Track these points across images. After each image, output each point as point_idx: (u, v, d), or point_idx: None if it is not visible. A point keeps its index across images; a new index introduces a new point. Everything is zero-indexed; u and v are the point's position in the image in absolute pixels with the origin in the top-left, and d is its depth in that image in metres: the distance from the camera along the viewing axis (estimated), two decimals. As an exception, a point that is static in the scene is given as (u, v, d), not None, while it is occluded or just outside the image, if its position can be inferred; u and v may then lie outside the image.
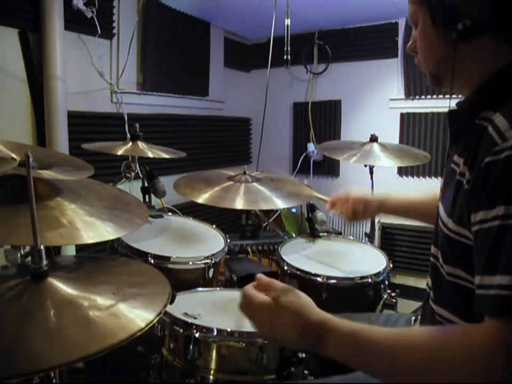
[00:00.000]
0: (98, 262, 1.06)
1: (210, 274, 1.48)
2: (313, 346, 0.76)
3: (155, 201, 1.86)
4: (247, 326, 1.09)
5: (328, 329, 0.73)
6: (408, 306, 2.26)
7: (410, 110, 3.02)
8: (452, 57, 0.76)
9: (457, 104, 0.82)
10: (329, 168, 3.41)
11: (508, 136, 0.63)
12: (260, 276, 0.86)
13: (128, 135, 1.97)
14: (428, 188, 3.01)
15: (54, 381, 0.85)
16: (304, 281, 1.48)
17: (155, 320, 0.76)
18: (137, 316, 0.76)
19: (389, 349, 0.67)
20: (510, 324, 0.58)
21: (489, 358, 0.59)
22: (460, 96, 0.85)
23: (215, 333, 1.03)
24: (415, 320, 1.00)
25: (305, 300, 0.79)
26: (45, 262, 0.79)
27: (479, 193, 0.65)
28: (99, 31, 2.19)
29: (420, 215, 1.24)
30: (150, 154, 1.67)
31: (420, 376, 0.64)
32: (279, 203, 1.61)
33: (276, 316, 0.77)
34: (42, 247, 0.78)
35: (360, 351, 0.70)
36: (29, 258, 0.82)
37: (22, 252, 1.08)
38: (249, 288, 0.83)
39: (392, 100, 3.09)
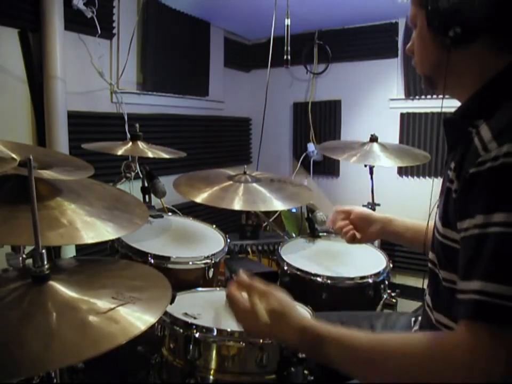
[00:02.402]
0: (100, 264, 1.06)
1: (210, 274, 1.48)
2: (294, 346, 0.82)
3: (155, 201, 1.86)
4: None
5: (309, 335, 0.77)
6: (408, 306, 2.26)
7: (410, 110, 3.01)
8: (446, 62, 0.77)
9: (454, 112, 0.82)
10: (329, 168, 3.41)
11: (491, 148, 0.64)
12: (241, 275, 0.91)
13: (128, 135, 1.98)
14: (428, 188, 3.01)
15: (54, 381, 0.85)
16: (304, 281, 1.48)
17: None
18: (134, 321, 0.75)
19: (367, 355, 0.71)
20: (482, 327, 0.60)
21: (464, 360, 0.60)
22: (454, 99, 0.86)
23: (215, 333, 1.04)
24: (414, 321, 1.00)
25: (285, 304, 0.83)
26: (46, 265, 0.79)
27: (464, 202, 0.67)
28: (99, 31, 2.19)
29: (424, 243, 1.15)
30: (150, 154, 1.67)
31: (397, 379, 0.66)
32: (278, 204, 1.61)
33: (253, 321, 0.83)
34: (44, 250, 0.78)
35: (343, 358, 0.74)
36: (30, 261, 0.81)
37: (24, 255, 1.08)
38: (233, 291, 0.88)
39: (392, 99, 3.09)
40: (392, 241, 1.26)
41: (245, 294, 0.87)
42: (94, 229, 0.94)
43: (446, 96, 0.82)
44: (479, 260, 0.61)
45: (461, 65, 0.77)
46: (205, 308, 1.20)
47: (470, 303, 0.61)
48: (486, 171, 0.62)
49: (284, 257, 1.59)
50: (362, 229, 1.24)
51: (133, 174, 1.78)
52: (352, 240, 1.25)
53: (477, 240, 0.62)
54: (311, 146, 3.40)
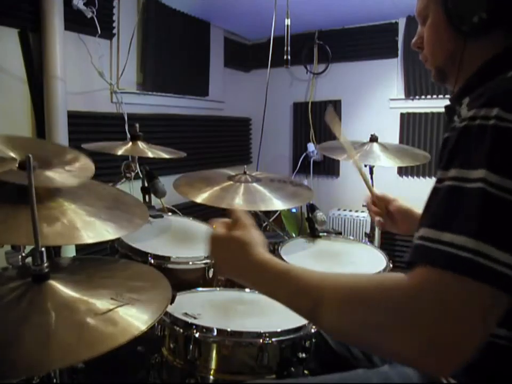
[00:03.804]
0: (100, 264, 1.05)
1: (210, 274, 1.48)
2: (251, 280, 0.78)
3: (155, 201, 1.86)
4: (247, 326, 1.09)
5: (266, 267, 0.75)
6: (408, 306, 2.26)
7: (410, 110, 3.01)
8: (461, 52, 0.77)
9: (450, 97, 0.83)
10: (329, 168, 3.41)
11: (463, 114, 0.65)
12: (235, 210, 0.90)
13: (128, 135, 1.98)
14: (428, 188, 3.01)
15: (54, 381, 0.85)
16: (304, 281, 1.47)
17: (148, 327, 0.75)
18: (132, 323, 0.74)
19: (316, 288, 0.69)
20: (419, 268, 0.60)
21: (412, 299, 0.59)
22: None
23: (215, 333, 1.03)
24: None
25: (255, 238, 0.82)
26: (46, 264, 0.79)
27: (438, 163, 0.67)
28: (99, 31, 2.19)
29: None
30: (150, 154, 1.67)
31: (342, 315, 0.65)
32: (279, 204, 1.61)
33: (227, 248, 0.81)
34: (43, 249, 0.78)
35: (292, 289, 0.72)
36: (30, 260, 0.81)
37: (23, 254, 1.08)
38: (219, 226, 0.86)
39: (392, 99, 3.09)
40: None
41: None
42: (94, 229, 0.94)
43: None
44: (427, 209, 0.64)
45: (475, 55, 0.76)
46: (205, 307, 1.20)
47: (412, 247, 0.64)
48: (458, 131, 0.64)
49: (284, 257, 1.59)
50: (401, 222, 1.22)
51: (133, 174, 1.78)
52: (383, 227, 1.24)
53: (432, 192, 0.65)
54: (311, 146, 3.40)
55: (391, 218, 1.23)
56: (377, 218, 1.24)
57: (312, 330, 1.08)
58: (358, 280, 0.69)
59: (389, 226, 1.23)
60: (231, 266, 0.82)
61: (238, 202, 1.55)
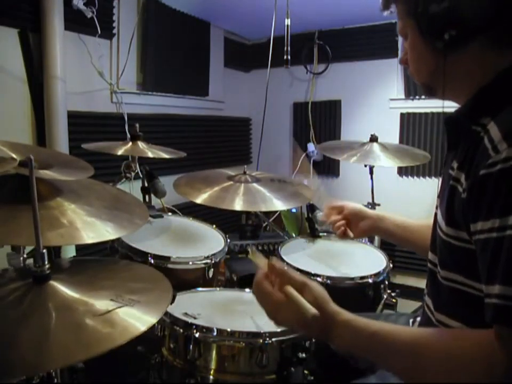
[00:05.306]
0: (101, 265, 1.06)
1: (210, 274, 1.49)
2: (330, 341, 0.79)
3: (155, 201, 1.86)
4: (247, 326, 1.09)
5: (345, 329, 0.77)
6: (408, 306, 2.26)
7: (410, 110, 3.01)
8: (443, 68, 0.76)
9: (455, 111, 0.81)
10: (329, 168, 3.41)
11: (501, 149, 0.63)
12: (275, 261, 0.86)
13: (128, 135, 1.98)
14: (428, 188, 3.03)
15: (55, 380, 0.85)
16: (304, 281, 1.47)
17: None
18: (131, 324, 0.74)
19: (408, 350, 0.71)
20: (503, 330, 0.61)
21: (492, 363, 0.62)
22: (453, 101, 0.85)
23: (215, 333, 1.04)
24: (413, 322, 1.00)
25: (320, 298, 0.80)
26: (47, 265, 0.79)
27: (476, 204, 0.66)
28: (99, 31, 2.19)
29: (414, 242, 1.15)
30: (150, 154, 1.67)
31: (434, 376, 0.68)
32: (279, 204, 1.61)
33: (292, 314, 0.79)
34: (44, 250, 0.78)
35: (380, 352, 0.75)
36: (31, 261, 0.81)
37: (24, 255, 1.08)
38: (262, 281, 0.83)
39: (392, 99, 3.09)
40: (383, 238, 1.27)
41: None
42: (94, 229, 0.94)
43: (446, 100, 0.81)
44: (498, 264, 0.61)
45: (460, 68, 0.76)
46: (205, 307, 1.20)
47: (493, 307, 0.62)
48: (497, 173, 0.62)
49: (284, 257, 1.59)
50: (354, 225, 1.23)
51: (133, 174, 1.78)
52: (343, 235, 1.24)
53: (495, 244, 0.62)
54: (311, 146, 3.40)
55: (347, 222, 1.24)
56: (336, 226, 1.25)
57: (312, 330, 1.08)
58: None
59: (346, 234, 1.24)
60: (302, 329, 0.82)
61: (238, 203, 1.55)
